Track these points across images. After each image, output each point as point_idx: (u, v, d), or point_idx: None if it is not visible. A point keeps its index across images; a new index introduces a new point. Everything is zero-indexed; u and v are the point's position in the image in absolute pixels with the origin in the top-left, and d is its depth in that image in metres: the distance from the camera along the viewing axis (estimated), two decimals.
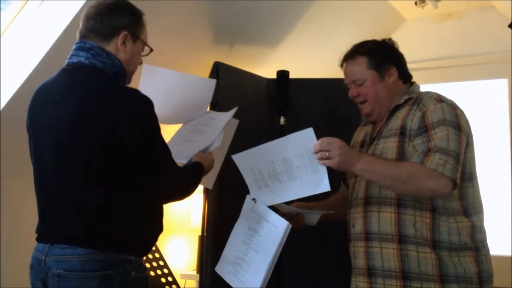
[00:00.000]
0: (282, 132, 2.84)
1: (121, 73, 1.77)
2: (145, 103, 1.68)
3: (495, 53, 3.71)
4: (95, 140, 1.63)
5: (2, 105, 2.47)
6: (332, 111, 3.24)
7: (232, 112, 2.11)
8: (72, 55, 1.77)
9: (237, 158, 2.04)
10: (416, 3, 3.75)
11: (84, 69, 1.73)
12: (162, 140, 1.73)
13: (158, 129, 1.72)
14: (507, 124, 3.67)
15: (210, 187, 2.28)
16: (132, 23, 1.80)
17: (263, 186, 2.01)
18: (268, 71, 3.32)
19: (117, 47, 1.77)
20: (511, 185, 3.55)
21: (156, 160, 1.70)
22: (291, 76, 3.15)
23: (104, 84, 1.70)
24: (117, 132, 1.62)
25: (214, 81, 2.17)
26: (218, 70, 3.02)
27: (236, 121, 2.20)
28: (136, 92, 1.70)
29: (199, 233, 3.19)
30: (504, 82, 3.74)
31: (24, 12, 2.53)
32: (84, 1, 2.33)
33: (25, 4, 2.52)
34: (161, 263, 3.03)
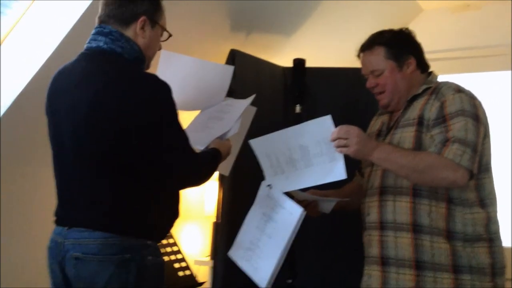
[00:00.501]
0: (297, 120, 2.84)
1: (140, 59, 1.77)
2: (163, 89, 1.68)
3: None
4: (114, 126, 1.63)
5: (11, 101, 2.46)
6: (348, 100, 3.23)
7: (250, 99, 2.11)
8: (91, 39, 1.76)
9: (254, 143, 2.04)
10: None
11: (103, 54, 1.72)
12: (180, 125, 1.73)
13: (176, 115, 1.72)
14: None
15: (226, 173, 2.28)
16: (150, 8, 1.79)
17: (279, 172, 2.02)
18: (285, 60, 3.31)
19: (135, 32, 1.76)
20: None
21: (173, 145, 1.70)
22: (307, 64, 3.15)
23: (123, 69, 1.70)
24: (135, 117, 1.62)
25: (232, 67, 2.17)
26: (234, 58, 3.02)
27: (254, 108, 2.20)
28: (155, 78, 1.70)
29: (213, 219, 3.21)
30: None
31: (32, 9, 2.52)
32: (85, 9, 2.34)
33: (30, 4, 2.52)
34: (175, 248, 3.05)
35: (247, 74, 3.01)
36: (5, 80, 2.46)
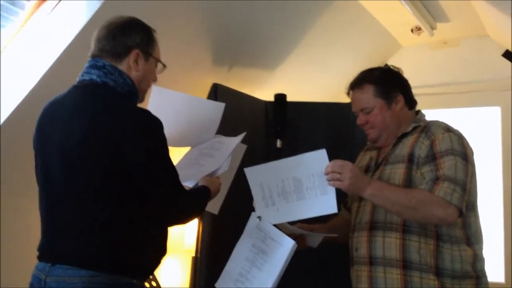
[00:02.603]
0: (278, 155, 2.84)
1: (133, 92, 1.75)
2: (154, 124, 1.66)
3: (489, 81, 3.76)
4: (104, 160, 1.60)
5: (9, 112, 2.43)
6: (329, 134, 3.26)
7: (241, 137, 2.10)
8: (84, 72, 1.74)
9: (249, 171, 2.04)
10: (412, 30, 3.80)
11: (96, 87, 1.70)
12: (170, 162, 1.70)
13: (165, 151, 1.69)
14: (499, 152, 3.71)
15: (216, 212, 2.21)
16: (143, 41, 1.78)
17: (270, 204, 2.01)
18: (266, 94, 3.34)
19: (129, 65, 1.74)
20: (503, 212, 3.58)
21: (162, 182, 1.67)
22: (289, 99, 3.17)
23: (115, 103, 1.68)
24: (124, 151, 1.59)
25: (223, 104, 2.16)
26: (217, 92, 3.04)
27: (244, 146, 2.19)
28: (146, 112, 1.67)
29: (193, 254, 3.17)
30: (497, 110, 3.78)
31: (37, 15, 2.50)
32: (90, 17, 2.33)
33: (38, 6, 2.49)
34: (154, 283, 3.01)
35: (229, 108, 3.00)
36: (10, 83, 2.44)
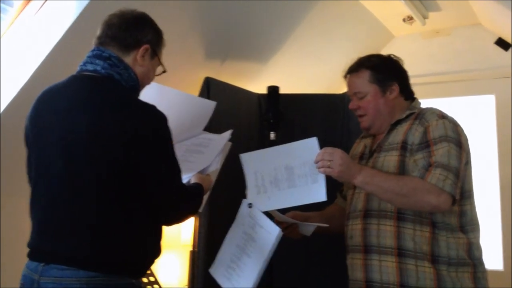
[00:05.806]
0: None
1: (136, 87, 1.72)
2: (162, 120, 1.63)
3: (482, 70, 3.76)
4: (109, 155, 1.55)
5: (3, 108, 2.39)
6: (323, 126, 3.26)
7: (228, 134, 2.10)
8: (87, 62, 1.69)
9: (244, 157, 2.05)
10: (404, 20, 3.80)
11: (100, 79, 1.65)
12: (175, 158, 1.68)
13: (172, 147, 1.67)
14: (494, 140, 3.71)
15: (200, 209, 2.22)
16: (154, 39, 1.77)
17: (261, 191, 2.02)
18: (259, 87, 3.33)
19: (135, 59, 1.72)
20: (500, 200, 3.58)
21: (167, 179, 1.65)
22: (282, 91, 3.17)
23: (121, 97, 1.64)
24: (132, 148, 1.55)
25: (214, 103, 2.15)
26: (209, 86, 3.03)
27: (230, 144, 2.17)
28: (153, 108, 1.63)
29: (190, 248, 3.18)
30: (491, 98, 3.79)
31: (25, 13, 2.48)
32: (82, 9, 2.30)
33: (26, 5, 2.47)
34: (152, 279, 3.00)
35: (222, 101, 3.00)
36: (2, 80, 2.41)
